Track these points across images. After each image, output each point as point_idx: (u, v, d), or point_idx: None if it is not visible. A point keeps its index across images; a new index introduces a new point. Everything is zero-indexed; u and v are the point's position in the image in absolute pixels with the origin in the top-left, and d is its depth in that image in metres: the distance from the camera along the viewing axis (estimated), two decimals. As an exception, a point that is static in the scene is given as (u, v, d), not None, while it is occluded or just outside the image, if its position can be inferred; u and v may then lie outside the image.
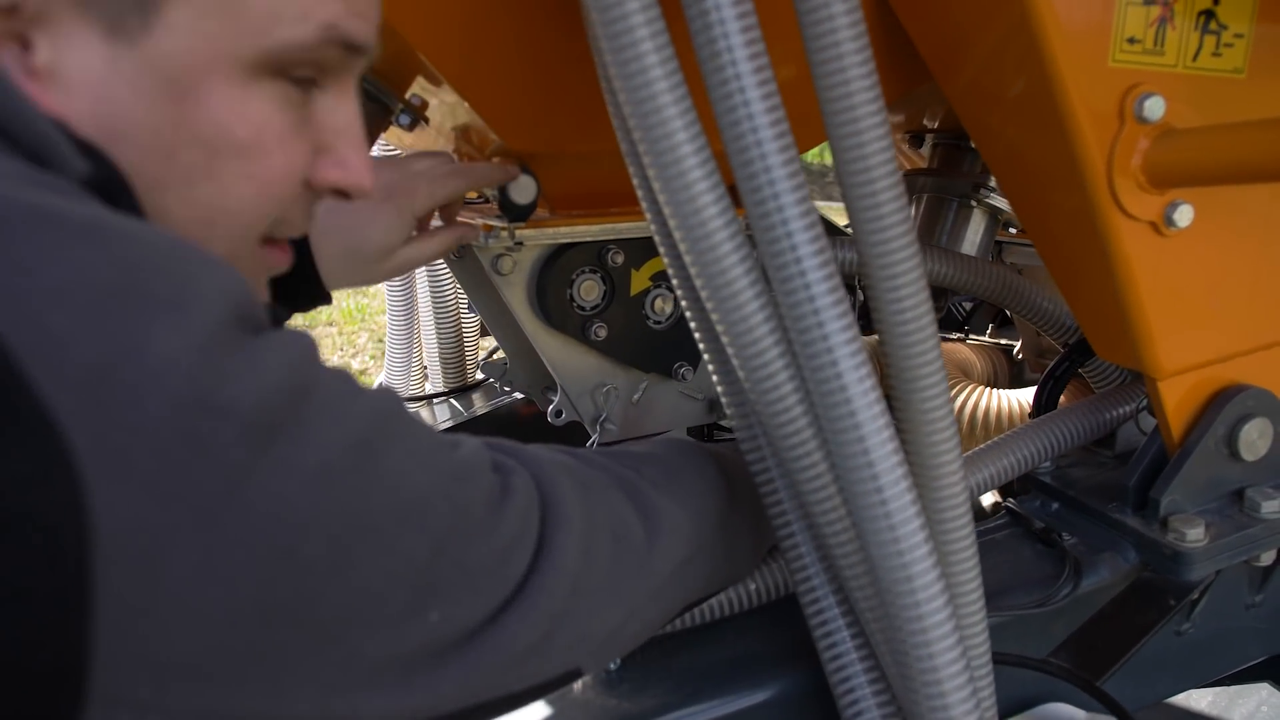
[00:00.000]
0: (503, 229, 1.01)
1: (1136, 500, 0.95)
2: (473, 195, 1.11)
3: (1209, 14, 0.82)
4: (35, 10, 0.46)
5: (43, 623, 0.36)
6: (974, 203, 1.32)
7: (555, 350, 1.12)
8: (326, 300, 0.90)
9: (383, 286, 1.94)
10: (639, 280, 1.12)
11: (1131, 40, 0.80)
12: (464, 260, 1.18)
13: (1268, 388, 0.95)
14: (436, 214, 1.01)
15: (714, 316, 0.71)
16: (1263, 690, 1.54)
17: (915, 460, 0.74)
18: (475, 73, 0.85)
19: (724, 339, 0.71)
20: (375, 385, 0.51)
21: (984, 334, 1.90)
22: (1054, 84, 0.78)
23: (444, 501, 0.51)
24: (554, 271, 1.06)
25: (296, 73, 0.53)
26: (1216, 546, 0.90)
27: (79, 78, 0.47)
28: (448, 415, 1.59)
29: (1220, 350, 0.93)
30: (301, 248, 0.84)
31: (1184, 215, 0.83)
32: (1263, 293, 0.93)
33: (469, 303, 1.65)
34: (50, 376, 0.36)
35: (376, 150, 1.51)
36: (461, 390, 1.68)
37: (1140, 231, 0.84)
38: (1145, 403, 1.06)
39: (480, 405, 1.63)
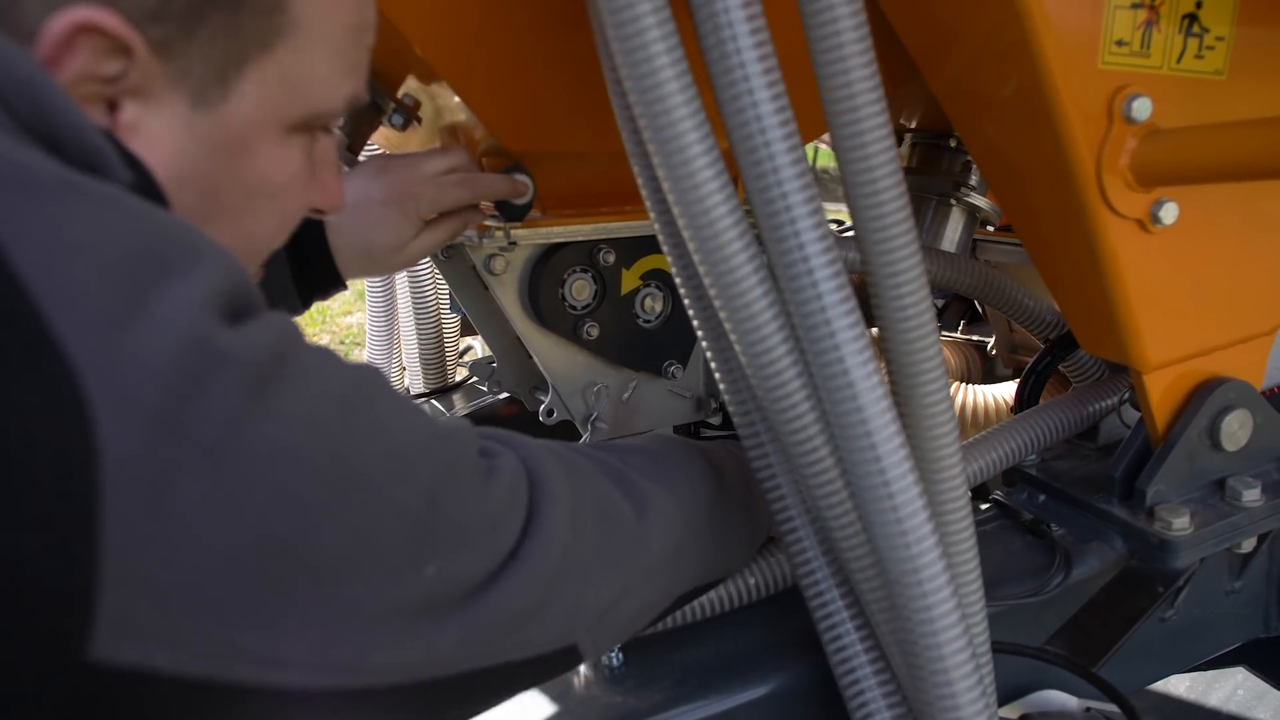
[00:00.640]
0: (498, 229, 1.01)
1: (1123, 490, 0.97)
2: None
3: (1192, 17, 0.84)
4: (135, 83, 0.52)
5: (51, 544, 0.38)
6: (953, 201, 1.34)
7: (547, 350, 1.12)
8: (342, 286, 1.02)
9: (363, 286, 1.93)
10: (629, 279, 1.13)
11: (1120, 42, 0.82)
12: (452, 260, 1.18)
13: (1246, 379, 0.97)
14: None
15: (721, 311, 0.71)
16: (1239, 674, 1.58)
17: (917, 451, 0.75)
18: (475, 72, 0.85)
19: (730, 333, 0.72)
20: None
21: (955, 330, 1.93)
22: (1046, 85, 0.80)
23: (430, 456, 0.53)
24: (546, 271, 1.07)
25: (317, 125, 0.63)
26: (1201, 534, 0.92)
27: (159, 136, 0.54)
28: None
29: (1202, 344, 0.96)
30: (320, 245, 0.95)
31: (1169, 212, 0.86)
32: (1242, 287, 0.96)
33: (450, 302, 1.65)
34: (64, 315, 0.39)
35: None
36: (442, 391, 1.68)
37: (1127, 229, 0.86)
38: (1128, 396, 1.09)
39: (461, 406, 1.62)
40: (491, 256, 1.04)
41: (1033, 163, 0.90)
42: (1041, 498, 1.05)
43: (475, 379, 1.53)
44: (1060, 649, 0.86)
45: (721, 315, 0.72)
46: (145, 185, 0.51)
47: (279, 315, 0.49)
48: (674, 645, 0.90)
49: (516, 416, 1.57)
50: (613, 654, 0.90)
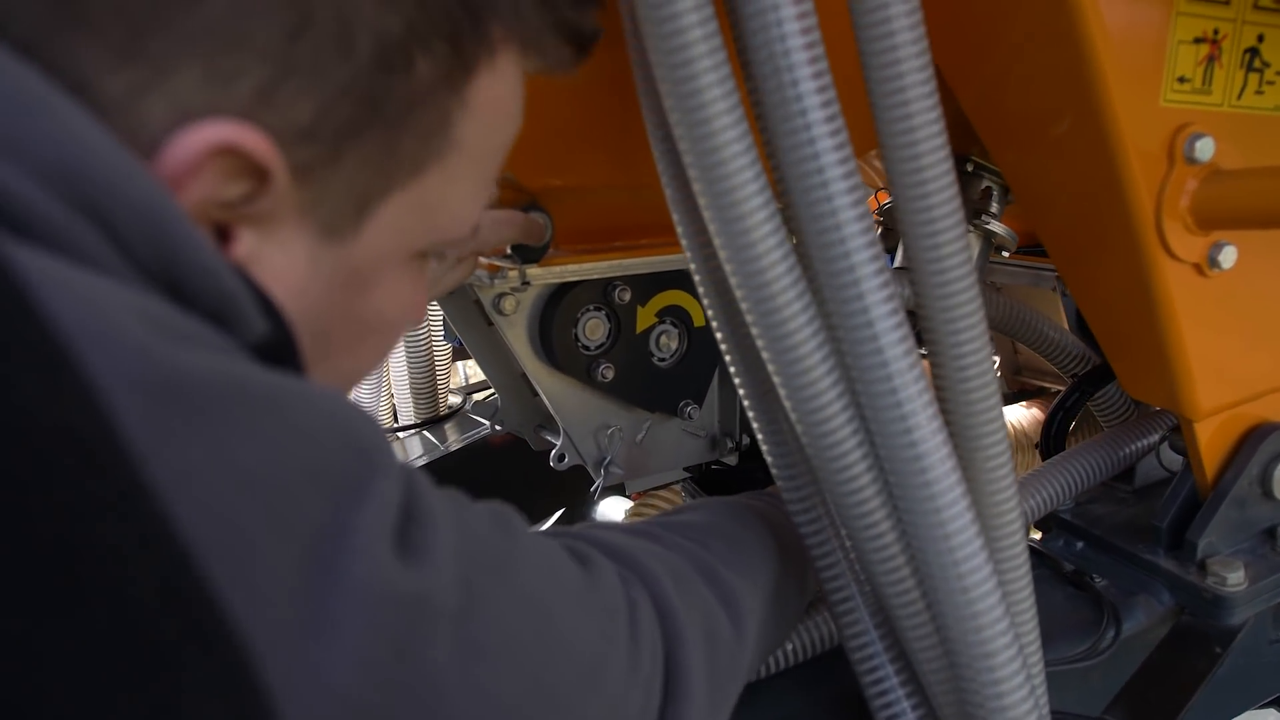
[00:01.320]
0: (511, 269, 0.95)
1: (1170, 541, 0.93)
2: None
3: (1254, 51, 0.80)
4: (260, 210, 0.42)
5: None
6: (971, 227, 1.29)
7: (557, 392, 1.06)
8: None
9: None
10: (645, 317, 1.08)
11: (1182, 79, 0.77)
12: (453, 294, 1.12)
13: (1295, 423, 0.94)
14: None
15: (766, 358, 0.66)
16: (1270, 716, 1.56)
17: (976, 510, 0.70)
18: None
19: (775, 378, 0.66)
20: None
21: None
22: (1107, 125, 0.75)
23: (606, 644, 0.49)
24: (559, 311, 1.01)
25: (435, 254, 0.55)
26: (1257, 589, 0.88)
27: (279, 272, 0.44)
28: (420, 450, 1.52)
29: (1252, 388, 0.92)
30: None
31: (1228, 256, 0.82)
32: (1292, 329, 0.92)
33: (445, 329, 1.58)
34: (242, 591, 0.31)
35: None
36: (434, 421, 1.61)
37: (1184, 273, 0.82)
38: (1167, 436, 1.05)
39: (454, 438, 1.56)
40: (501, 296, 0.98)
41: (1082, 198, 0.85)
42: (1079, 545, 1.01)
43: (474, 413, 1.47)
44: (1121, 718, 0.81)
45: (766, 358, 0.66)
46: (281, 340, 0.42)
47: (428, 487, 0.41)
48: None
49: (509, 445, 1.51)
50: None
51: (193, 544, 0.30)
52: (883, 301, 0.62)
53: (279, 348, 0.41)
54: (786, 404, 0.67)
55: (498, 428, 1.24)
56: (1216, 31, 0.78)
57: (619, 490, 1.34)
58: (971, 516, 0.65)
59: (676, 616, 0.57)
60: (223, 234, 0.43)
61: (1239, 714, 1.04)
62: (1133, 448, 1.04)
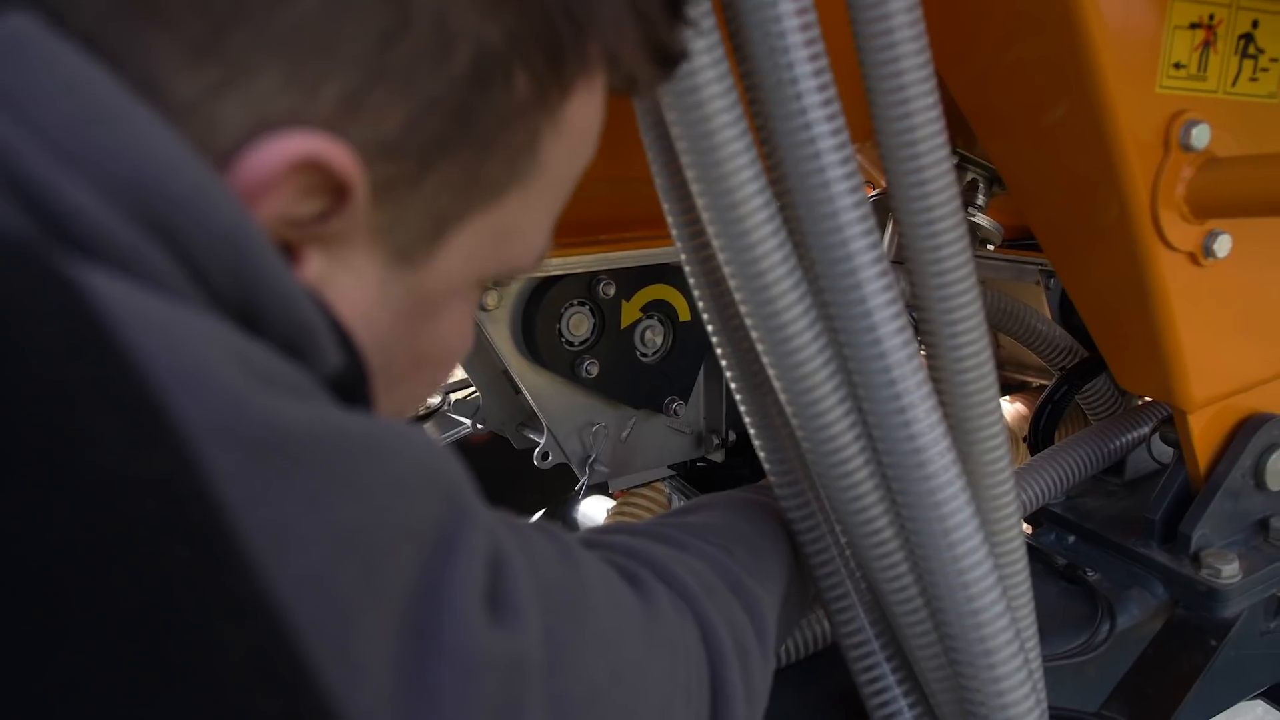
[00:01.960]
0: (493, 264, 0.93)
1: (1163, 534, 0.92)
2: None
3: (1248, 37, 0.79)
4: (333, 230, 0.38)
5: None
6: (955, 220, 1.28)
7: (541, 389, 1.04)
8: None
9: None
10: (629, 312, 1.06)
11: (1178, 65, 0.76)
12: (434, 291, 1.09)
13: (1287, 414, 0.93)
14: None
15: (761, 346, 0.64)
16: (1259, 707, 1.55)
17: (977, 506, 0.69)
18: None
19: (772, 373, 0.65)
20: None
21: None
22: (1102, 111, 0.74)
23: (671, 681, 0.49)
24: (542, 306, 0.99)
25: (498, 281, 0.52)
26: (1250, 581, 0.88)
27: (348, 297, 0.40)
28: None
29: (1246, 379, 0.91)
30: None
31: (1223, 245, 0.81)
32: (1285, 319, 0.92)
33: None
34: (341, 666, 0.28)
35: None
36: (416, 420, 1.58)
37: (1179, 262, 0.81)
38: (1158, 428, 1.04)
39: (434, 436, 1.53)
40: (484, 291, 0.96)
41: (1077, 188, 0.84)
42: (1071, 539, 1.00)
43: (454, 412, 1.44)
44: (1118, 713, 0.80)
45: (762, 351, 0.64)
46: (355, 374, 0.38)
47: (513, 546, 0.39)
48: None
49: (489, 443, 1.49)
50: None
51: (288, 612, 0.27)
52: (881, 291, 0.60)
53: (353, 383, 0.38)
54: (782, 397, 0.66)
55: (479, 426, 1.22)
56: (1212, 17, 0.77)
57: (602, 489, 1.32)
58: (972, 511, 0.63)
59: (717, 636, 0.56)
60: (288, 255, 0.38)
61: (1231, 705, 1.04)
62: (1123, 440, 1.03)
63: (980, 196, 1.24)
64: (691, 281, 0.73)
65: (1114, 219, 0.80)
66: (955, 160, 1.27)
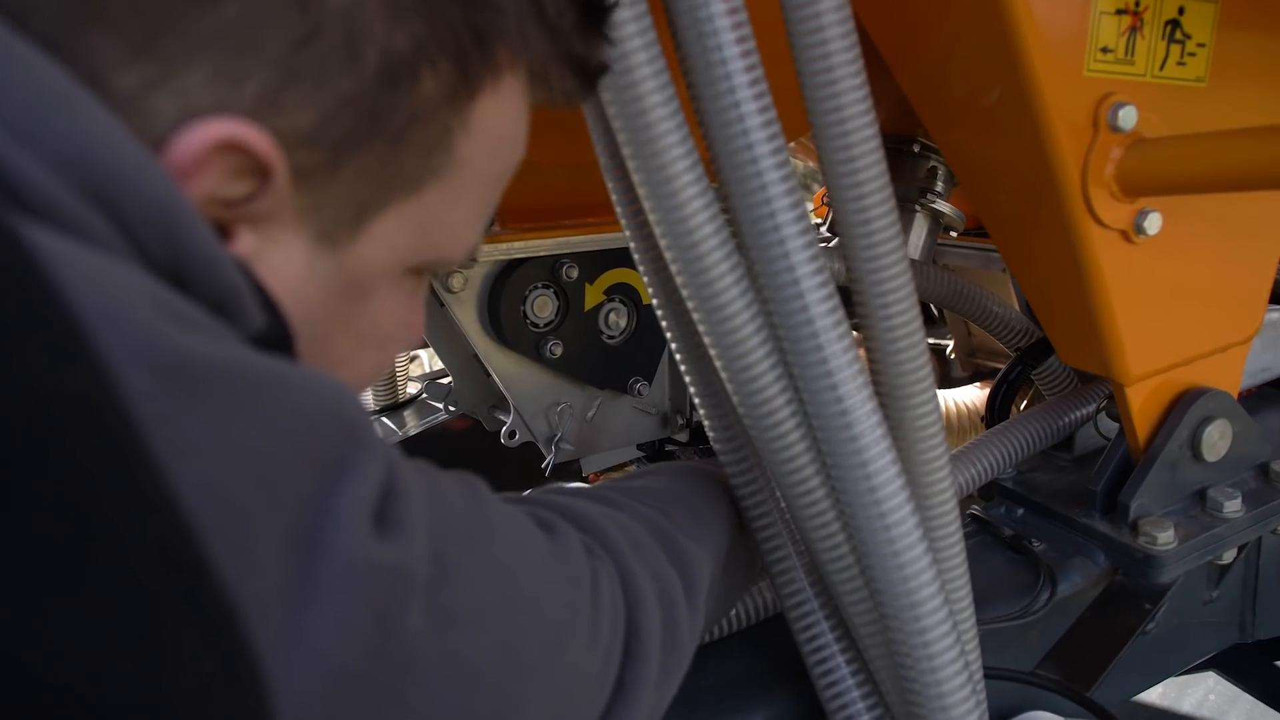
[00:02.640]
0: (456, 246, 0.96)
1: (1105, 504, 0.96)
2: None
3: (1174, 23, 0.83)
4: (260, 210, 0.43)
5: None
6: (917, 207, 1.32)
7: (507, 369, 1.07)
8: None
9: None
10: (593, 294, 1.09)
11: (1105, 49, 0.79)
12: (405, 276, 1.12)
13: (1224, 388, 0.96)
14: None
15: (702, 329, 0.68)
16: (1210, 679, 1.59)
17: (907, 473, 0.72)
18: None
19: (711, 349, 0.68)
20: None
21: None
22: (1032, 94, 0.78)
23: (569, 611, 0.50)
24: (506, 288, 1.02)
25: (430, 272, 0.55)
26: (1186, 548, 0.91)
27: (277, 271, 0.45)
28: (379, 435, 1.52)
29: (1183, 354, 0.94)
30: None
31: (1153, 223, 0.84)
32: (1220, 295, 0.95)
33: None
34: (235, 559, 0.32)
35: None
36: (393, 408, 1.62)
37: (1111, 239, 0.84)
38: (1104, 405, 1.07)
39: (413, 424, 1.56)
40: (448, 274, 0.99)
41: (1014, 170, 0.87)
42: (1020, 512, 1.03)
43: (427, 397, 1.48)
44: (1052, 672, 0.83)
45: (702, 331, 0.68)
46: (279, 333, 0.43)
47: (405, 464, 0.42)
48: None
49: (468, 430, 1.52)
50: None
51: (191, 514, 0.31)
52: (808, 261, 0.63)
53: (277, 342, 0.43)
54: (722, 373, 0.69)
55: (451, 409, 1.25)
56: (1138, 3, 0.80)
57: (576, 475, 1.35)
58: (897, 470, 0.66)
59: (637, 583, 0.59)
60: (223, 233, 0.43)
61: (1176, 672, 1.07)
62: (1072, 417, 1.07)
63: (939, 183, 1.28)
64: (636, 258, 0.76)
65: (1048, 198, 0.83)
66: (917, 149, 1.31)
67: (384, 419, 1.58)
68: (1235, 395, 0.99)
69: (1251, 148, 0.72)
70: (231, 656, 0.31)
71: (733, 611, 0.89)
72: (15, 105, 0.34)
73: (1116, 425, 0.99)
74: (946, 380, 1.85)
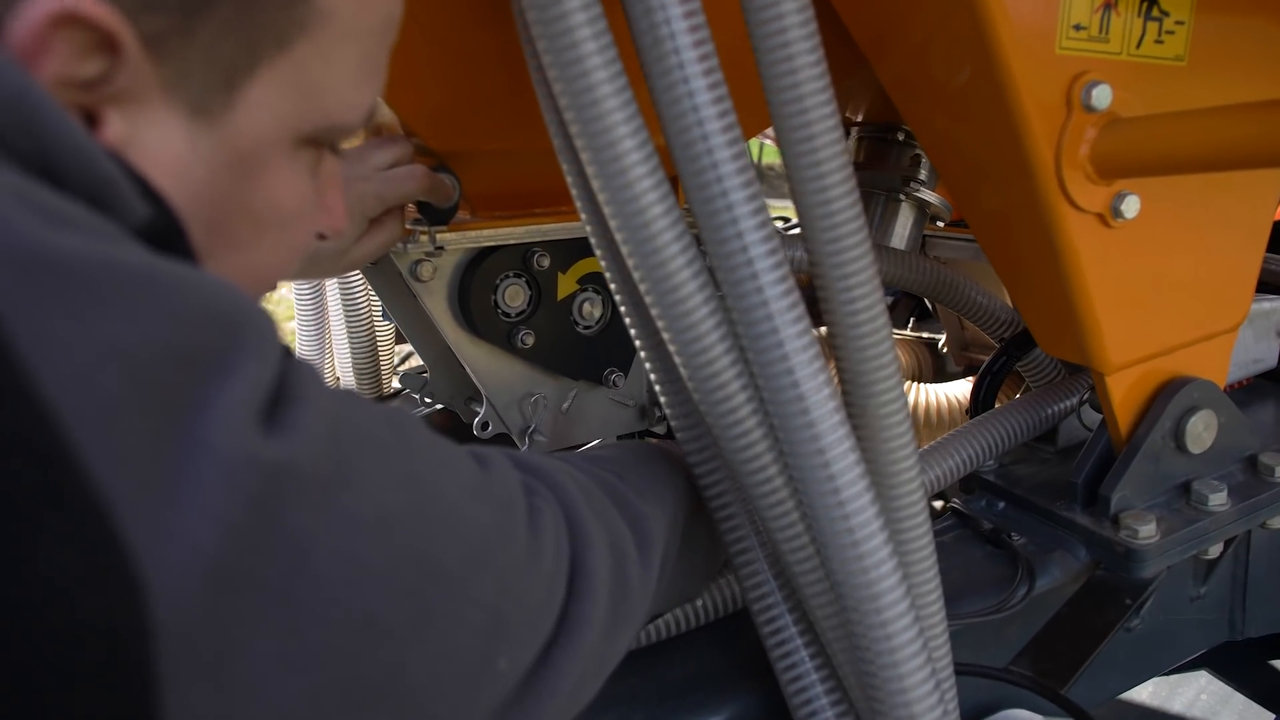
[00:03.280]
0: (422, 233, 0.94)
1: (1085, 497, 0.93)
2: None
3: (1151, 1, 0.80)
4: (120, 88, 0.42)
5: None
6: (902, 196, 1.29)
7: (479, 360, 1.05)
8: (273, 287, 0.86)
9: (290, 293, 1.85)
10: (566, 284, 1.07)
11: (1078, 27, 0.77)
12: (378, 266, 1.10)
13: (1210, 378, 0.94)
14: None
15: (657, 318, 0.66)
16: (1201, 678, 1.56)
17: (871, 464, 0.70)
18: (389, 69, 0.78)
19: (669, 342, 0.67)
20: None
21: (904, 328, 1.90)
22: (1001, 73, 0.75)
23: (498, 533, 0.48)
24: (477, 277, 1.00)
25: (328, 140, 0.53)
26: (1168, 542, 0.88)
27: (155, 155, 0.44)
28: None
29: (1165, 342, 0.92)
30: None
31: (1131, 206, 0.82)
32: (1204, 283, 0.92)
33: (384, 310, 1.57)
34: (101, 451, 0.31)
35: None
36: (378, 399, 1.60)
37: (1087, 223, 0.82)
38: (1087, 397, 1.05)
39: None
40: (418, 262, 0.97)
41: (987, 155, 0.85)
42: (1000, 505, 1.01)
43: (405, 388, 1.45)
44: (1026, 668, 0.81)
45: (659, 321, 0.66)
46: (165, 223, 0.41)
47: (313, 377, 0.41)
48: (617, 673, 0.83)
49: (453, 428, 1.50)
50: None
51: (52, 405, 0.30)
52: (762, 244, 0.62)
53: (165, 232, 0.41)
54: (679, 363, 0.67)
55: (427, 401, 1.24)
56: (1113, -21, 0.78)
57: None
58: (856, 458, 0.64)
59: (584, 524, 0.58)
60: (91, 120, 0.42)
61: (1163, 671, 1.05)
62: (1054, 409, 1.04)
63: (923, 171, 1.26)
64: (595, 248, 0.75)
65: (1021, 181, 0.80)
66: (901, 137, 1.29)
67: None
68: (1222, 385, 0.96)
69: (1230, 125, 0.70)
70: (100, 550, 0.30)
71: (699, 603, 0.87)
72: None
73: (1099, 417, 0.97)
74: (940, 375, 1.82)
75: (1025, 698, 0.89)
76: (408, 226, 0.94)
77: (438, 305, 1.02)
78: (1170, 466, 0.93)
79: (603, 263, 0.75)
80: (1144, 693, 1.67)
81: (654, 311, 0.66)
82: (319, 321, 1.64)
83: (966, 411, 1.19)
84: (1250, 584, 1.06)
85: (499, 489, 0.51)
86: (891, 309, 1.91)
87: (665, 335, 0.67)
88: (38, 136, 0.36)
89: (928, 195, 1.27)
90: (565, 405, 1.11)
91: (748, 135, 0.92)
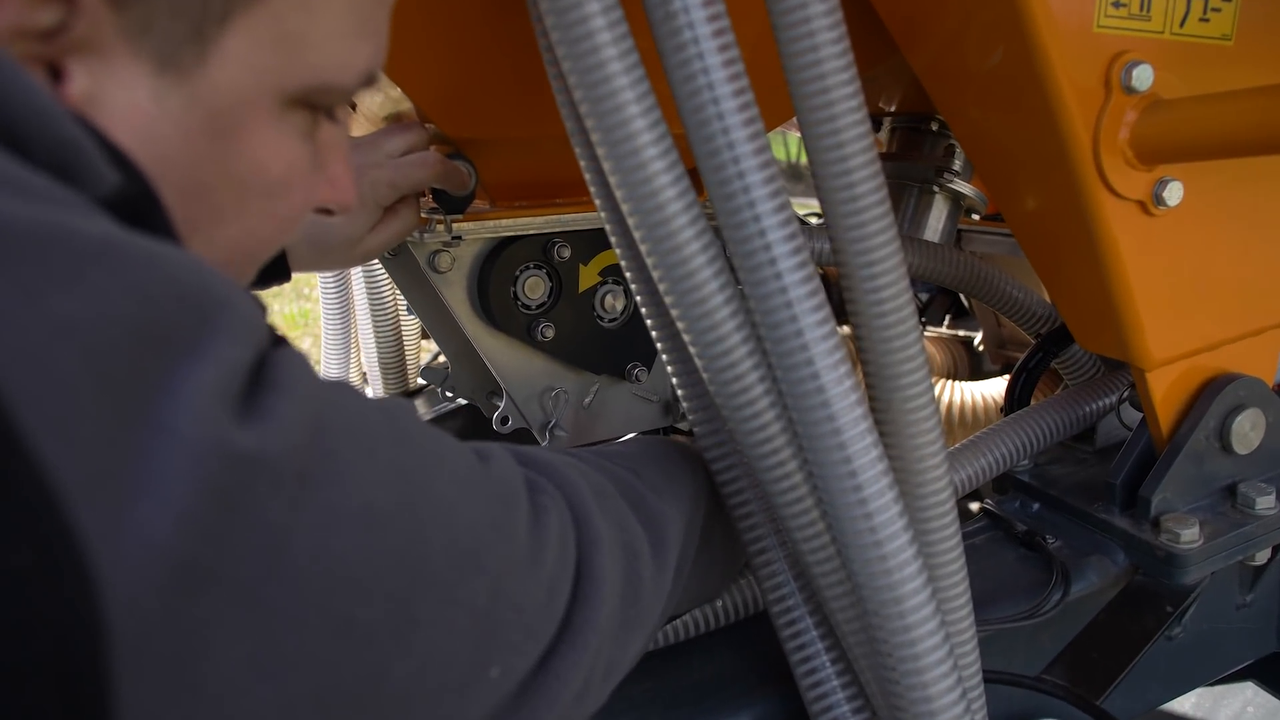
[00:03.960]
0: (438, 222, 0.92)
1: (1124, 499, 0.89)
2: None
3: (1197, -24, 0.76)
4: (80, 38, 0.39)
5: None
6: (936, 188, 1.26)
7: (499, 353, 1.03)
8: (285, 278, 0.84)
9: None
10: (587, 276, 1.05)
11: (1117, 4, 0.73)
12: (400, 257, 1.09)
13: (1257, 375, 0.89)
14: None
15: (674, 312, 0.64)
16: (1248, 689, 1.50)
17: (898, 463, 0.67)
18: (403, 54, 0.76)
19: (686, 337, 0.64)
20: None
21: (940, 325, 1.86)
22: (1036, 53, 0.72)
23: (493, 532, 0.46)
24: (496, 268, 0.98)
25: (321, 103, 0.50)
26: (1212, 547, 0.84)
27: (122, 113, 0.41)
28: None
29: (1210, 338, 0.88)
30: None
31: (1174, 193, 0.78)
32: (1252, 275, 0.88)
33: (407, 303, 1.56)
34: (54, 436, 0.29)
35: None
36: (403, 397, 1.59)
37: (1128, 211, 0.78)
38: (1127, 394, 1.01)
39: (424, 412, 1.53)
40: (436, 253, 0.96)
41: (1022, 141, 0.82)
42: (1035, 506, 0.97)
43: (425, 381, 1.44)
44: (1060, 677, 0.77)
45: (675, 314, 0.64)
46: (136, 190, 0.39)
47: (296, 361, 0.39)
48: (634, 676, 0.81)
49: (472, 423, 1.49)
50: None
51: (1, 386, 0.29)
52: (785, 238, 0.59)
53: (137, 201, 0.39)
54: (697, 360, 0.65)
55: (449, 395, 1.22)
56: (1155, -46, 0.75)
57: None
58: (879, 454, 0.61)
59: (592, 523, 0.55)
60: (56, 74, 0.40)
61: (1207, 682, 1.00)
62: (1092, 407, 1.00)
63: (957, 161, 1.22)
64: (610, 234, 0.72)
65: (1057, 167, 0.77)
66: (935, 127, 1.25)
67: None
68: (1270, 383, 0.92)
69: (1277, 107, 0.66)
70: (50, 541, 0.29)
71: (718, 605, 0.84)
72: None
73: (1139, 415, 0.93)
74: (976, 373, 1.78)
75: (1060, 707, 0.85)
76: (423, 215, 0.92)
77: (456, 296, 1.00)
78: (1215, 467, 0.89)
79: (620, 255, 0.73)
80: (1186, 704, 1.61)
81: (670, 304, 0.63)
82: (344, 316, 1.64)
83: (1001, 410, 1.15)
84: (1300, 592, 1.02)
85: (498, 486, 0.49)
86: (927, 306, 1.87)
87: (682, 329, 0.64)
88: (1, 101, 0.34)
89: (962, 187, 1.24)
90: (587, 400, 1.09)
91: (771, 126, 0.90)
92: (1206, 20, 0.78)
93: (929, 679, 0.63)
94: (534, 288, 1.01)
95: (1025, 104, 0.76)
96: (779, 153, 6.01)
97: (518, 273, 1.00)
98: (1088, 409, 1.00)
